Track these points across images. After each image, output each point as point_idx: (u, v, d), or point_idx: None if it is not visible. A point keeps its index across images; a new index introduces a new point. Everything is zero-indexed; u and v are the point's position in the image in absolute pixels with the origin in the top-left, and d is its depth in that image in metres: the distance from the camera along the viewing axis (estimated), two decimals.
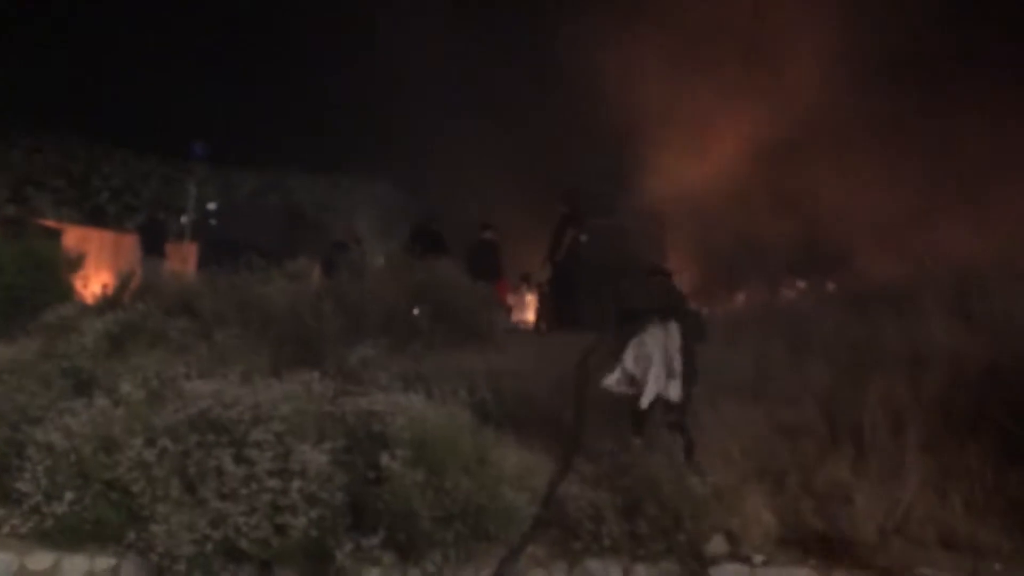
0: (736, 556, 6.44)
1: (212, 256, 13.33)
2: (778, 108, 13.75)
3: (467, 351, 9.59)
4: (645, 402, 7.44)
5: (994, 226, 9.85)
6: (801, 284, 11.65)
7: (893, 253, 10.74)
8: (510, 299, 14.33)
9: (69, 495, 6.68)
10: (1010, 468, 6.53)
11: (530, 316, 13.38)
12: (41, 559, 6.64)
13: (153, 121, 18.12)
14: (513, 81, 17.13)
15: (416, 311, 10.31)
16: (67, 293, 11.12)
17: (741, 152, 13.59)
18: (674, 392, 7.43)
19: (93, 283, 11.88)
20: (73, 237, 14.40)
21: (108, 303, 10.49)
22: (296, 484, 6.50)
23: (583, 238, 12.71)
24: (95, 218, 17.37)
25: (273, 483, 6.52)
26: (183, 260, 14.54)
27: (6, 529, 6.77)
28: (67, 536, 6.68)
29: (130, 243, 15.19)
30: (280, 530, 6.40)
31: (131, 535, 6.53)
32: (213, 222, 15.00)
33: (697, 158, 13.62)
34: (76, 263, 12.10)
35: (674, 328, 7.58)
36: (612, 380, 7.65)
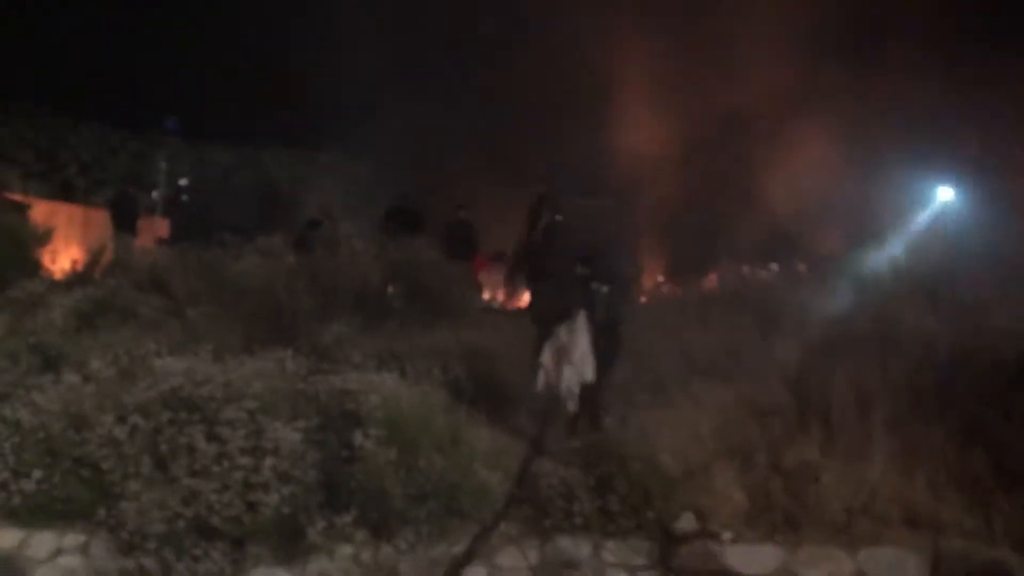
0: (705, 533, 6.52)
1: (184, 232, 13.20)
2: (750, 89, 13.80)
3: (441, 330, 9.61)
4: (570, 405, 7.64)
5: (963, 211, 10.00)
6: (774, 266, 11.76)
7: (864, 235, 10.87)
8: (483, 278, 14.31)
9: (37, 472, 6.65)
10: (973, 448, 6.64)
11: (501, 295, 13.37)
12: (9, 536, 6.61)
13: (123, 93, 17.84)
14: (489, 60, 17.03)
15: (391, 289, 10.29)
16: (35, 268, 10.97)
17: (714, 132, 13.63)
18: (588, 373, 7.58)
19: (62, 258, 11.75)
20: (41, 211, 14.16)
21: (77, 279, 10.40)
22: (268, 462, 6.51)
23: (559, 218, 12.69)
24: (63, 192, 17.10)
25: (245, 461, 6.52)
26: (154, 236, 14.38)
27: None
28: (36, 514, 6.65)
29: (100, 218, 15.01)
30: (252, 507, 6.41)
31: (101, 512, 6.51)
32: (185, 198, 14.85)
33: (669, 138, 13.64)
34: (44, 237, 11.95)
35: (582, 319, 7.70)
36: (540, 384, 7.73)
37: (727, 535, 6.49)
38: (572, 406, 7.66)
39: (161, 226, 14.89)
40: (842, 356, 7.68)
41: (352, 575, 6.44)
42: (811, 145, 12.64)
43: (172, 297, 9.89)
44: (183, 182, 15.38)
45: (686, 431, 7.07)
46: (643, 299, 12.51)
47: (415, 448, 6.77)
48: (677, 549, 6.45)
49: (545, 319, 7.94)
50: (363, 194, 18.39)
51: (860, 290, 8.68)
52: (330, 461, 6.79)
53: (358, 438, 6.68)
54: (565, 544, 6.55)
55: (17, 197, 14.57)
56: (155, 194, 16.04)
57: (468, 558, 6.51)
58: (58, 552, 6.60)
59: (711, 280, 12.94)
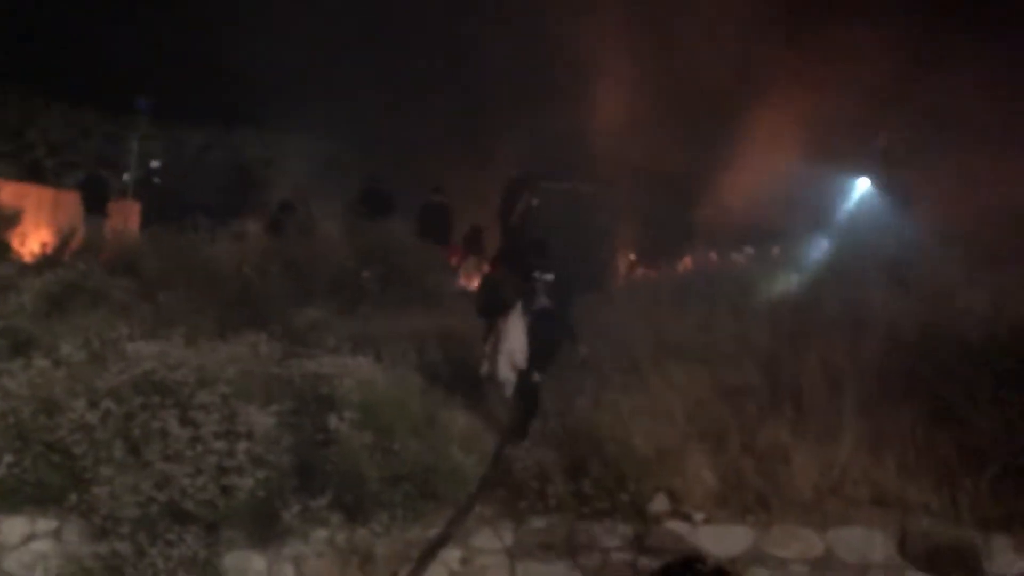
0: (678, 514, 6.60)
1: (156, 215, 13.06)
2: (725, 75, 13.84)
3: (416, 313, 9.60)
4: (507, 391, 7.81)
5: (934, 197, 10.12)
6: (748, 250, 11.84)
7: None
8: (455, 260, 14.29)
9: (8, 457, 6.59)
10: (939, 429, 6.77)
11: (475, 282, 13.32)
12: None
13: (93, 73, 17.52)
14: (464, 41, 16.93)
15: (365, 273, 10.26)
16: (3, 251, 10.83)
17: (687, 116, 13.66)
18: (520, 361, 7.76)
19: (31, 241, 11.58)
20: (9, 193, 13.92)
21: (47, 262, 10.26)
22: (243, 446, 6.49)
23: (535, 202, 12.71)
24: (32, 174, 16.82)
25: (219, 445, 6.50)
26: (125, 219, 14.20)
27: None
28: (6, 499, 6.60)
29: (70, 200, 14.80)
30: (226, 492, 6.40)
31: (73, 498, 6.46)
32: (157, 180, 14.68)
33: (646, 122, 13.66)
34: (12, 220, 11.78)
35: (517, 309, 7.92)
36: (484, 370, 7.95)
37: (699, 516, 6.58)
38: (508, 391, 7.83)
39: (133, 209, 14.71)
40: (813, 339, 7.79)
41: (327, 558, 6.46)
42: (759, 133, 12.72)
43: (144, 281, 9.79)
44: (155, 164, 15.19)
45: (659, 413, 7.14)
46: (618, 282, 12.56)
47: (390, 431, 6.79)
48: (650, 530, 6.53)
49: (485, 309, 8.22)
50: (335, 175, 18.26)
51: (829, 274, 8.77)
52: (305, 445, 6.79)
53: (333, 422, 6.68)
54: (540, 526, 6.61)
55: None
56: (126, 176, 15.82)
57: (443, 540, 6.55)
58: (30, 537, 6.56)
59: (686, 263, 13.02)
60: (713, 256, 12.48)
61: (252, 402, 6.81)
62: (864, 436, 6.81)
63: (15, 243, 11.36)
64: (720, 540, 6.45)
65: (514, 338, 7.85)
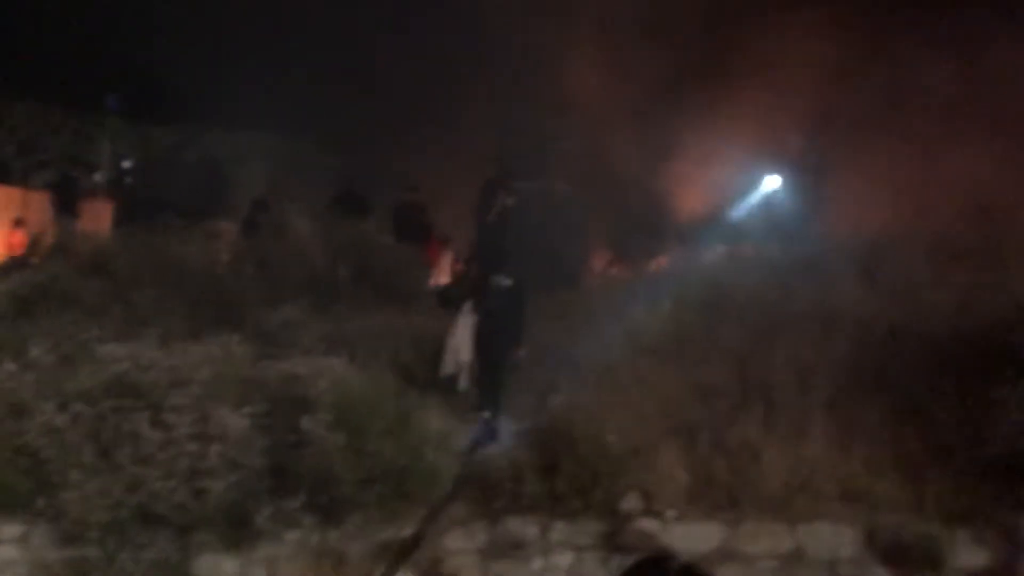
0: (649, 512, 6.65)
1: (129, 215, 12.95)
2: (702, 71, 13.89)
3: (390, 313, 9.58)
4: (461, 383, 8.23)
5: (898, 195, 10.24)
6: (720, 249, 11.92)
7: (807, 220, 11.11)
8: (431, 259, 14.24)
9: None
10: (906, 425, 6.87)
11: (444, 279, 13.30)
12: None
13: (61, 71, 17.31)
14: (440, 40, 16.89)
15: (343, 272, 10.25)
16: None
17: (659, 117, 13.71)
18: (464, 354, 8.30)
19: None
20: None
21: (16, 263, 10.14)
22: (215, 448, 6.46)
23: (510, 201, 12.71)
24: (0, 174, 16.61)
25: (192, 447, 6.46)
26: (97, 219, 14.06)
27: None
28: None
29: (40, 201, 14.63)
30: (199, 494, 6.37)
31: (41, 502, 6.40)
32: (129, 180, 14.54)
33: (618, 122, 13.70)
34: None
35: (467, 308, 8.54)
36: (448, 365, 8.37)
37: (671, 513, 6.64)
38: (463, 383, 8.25)
39: (104, 208, 14.56)
40: (782, 336, 7.87)
41: (300, 560, 6.45)
42: (761, 129, 12.81)
43: (116, 281, 9.70)
44: (127, 164, 15.04)
45: (632, 412, 7.18)
46: (592, 280, 12.59)
47: (364, 432, 6.78)
48: (622, 528, 6.57)
49: (441, 303, 9.15)
50: (306, 175, 18.19)
51: (799, 271, 8.85)
52: (278, 447, 6.76)
53: (307, 423, 6.66)
54: (514, 525, 6.64)
55: None
56: (98, 176, 15.65)
57: (417, 541, 6.56)
58: None
59: (659, 263, 13.08)
60: (685, 254, 12.55)
61: (225, 404, 6.77)
62: (832, 433, 6.91)
63: None
64: (691, 537, 6.52)
65: (459, 335, 8.38)
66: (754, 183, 13.16)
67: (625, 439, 6.93)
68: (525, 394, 7.93)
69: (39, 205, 14.52)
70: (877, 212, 9.93)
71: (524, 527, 6.63)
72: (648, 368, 7.85)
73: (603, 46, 13.68)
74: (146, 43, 17.17)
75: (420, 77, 16.67)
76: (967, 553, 6.21)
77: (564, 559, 6.53)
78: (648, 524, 6.59)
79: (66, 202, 13.88)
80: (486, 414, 7.84)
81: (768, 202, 12.83)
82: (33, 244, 10.80)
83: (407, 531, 6.59)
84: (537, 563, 6.52)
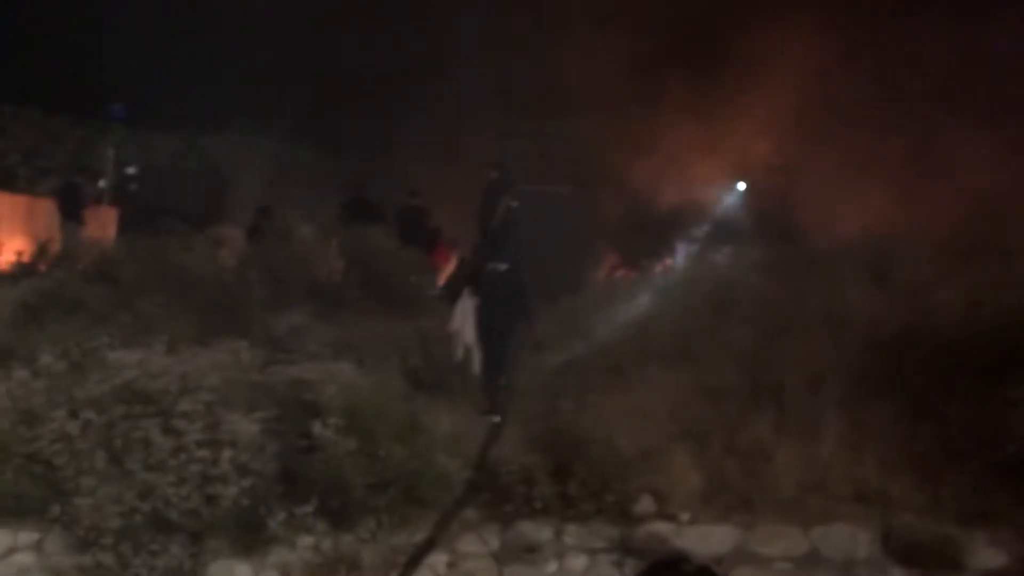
0: (663, 515, 6.63)
1: (133, 221, 12.94)
2: (704, 69, 13.87)
3: (397, 318, 9.59)
4: (458, 353, 8.73)
5: (909, 194, 10.21)
6: (727, 249, 11.91)
7: (814, 219, 11.07)
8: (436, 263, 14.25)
9: None
10: (919, 425, 6.85)
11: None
12: None
13: (64, 79, 17.34)
14: (438, 42, 16.90)
15: (348, 278, 10.28)
16: None
17: (665, 113, 13.69)
18: (468, 336, 8.83)
19: (6, 251, 11.44)
20: None
21: (23, 271, 10.14)
22: (227, 454, 6.45)
23: (514, 204, 12.70)
24: (5, 182, 16.60)
25: (203, 453, 6.45)
26: (102, 226, 14.06)
27: None
28: None
29: (45, 208, 14.63)
30: (211, 500, 6.35)
31: (55, 509, 6.39)
32: (133, 186, 14.53)
33: (623, 121, 13.67)
34: None
35: (466, 294, 9.06)
36: (458, 352, 8.81)
37: (684, 516, 6.62)
38: (476, 367, 8.64)
39: (109, 215, 14.56)
40: (793, 336, 7.85)
41: (313, 566, 6.43)
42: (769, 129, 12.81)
43: (122, 288, 9.70)
44: (131, 170, 15.03)
45: (642, 414, 7.17)
46: (598, 283, 12.59)
47: (374, 437, 6.76)
48: (635, 532, 6.55)
49: (451, 297, 9.59)
50: (308, 180, 18.21)
51: (811, 272, 8.83)
52: (289, 452, 6.76)
53: (317, 428, 6.65)
54: (526, 529, 6.62)
55: None
56: (102, 183, 15.65)
57: (429, 545, 6.54)
58: (12, 550, 6.48)
59: (665, 264, 13.06)
60: (691, 256, 12.56)
61: (235, 410, 6.77)
62: (845, 433, 6.88)
63: None
64: (705, 540, 6.49)
65: (460, 319, 8.94)
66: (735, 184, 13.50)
67: (636, 442, 6.91)
68: (534, 398, 7.90)
69: (45, 212, 14.52)
70: (885, 210, 9.90)
71: (537, 531, 6.61)
72: (657, 370, 7.83)
73: (603, 46, 13.67)
74: (148, 50, 17.20)
75: (420, 80, 16.69)
76: (984, 554, 6.18)
77: (578, 562, 6.51)
78: (661, 527, 6.57)
79: (71, 209, 13.86)
80: (496, 418, 7.86)
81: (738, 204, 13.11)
82: (40, 251, 10.78)
83: (420, 536, 6.57)
84: (551, 567, 6.51)
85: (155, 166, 16.65)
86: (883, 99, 12.63)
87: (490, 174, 13.57)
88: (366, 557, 6.46)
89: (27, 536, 6.48)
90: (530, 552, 6.57)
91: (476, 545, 6.62)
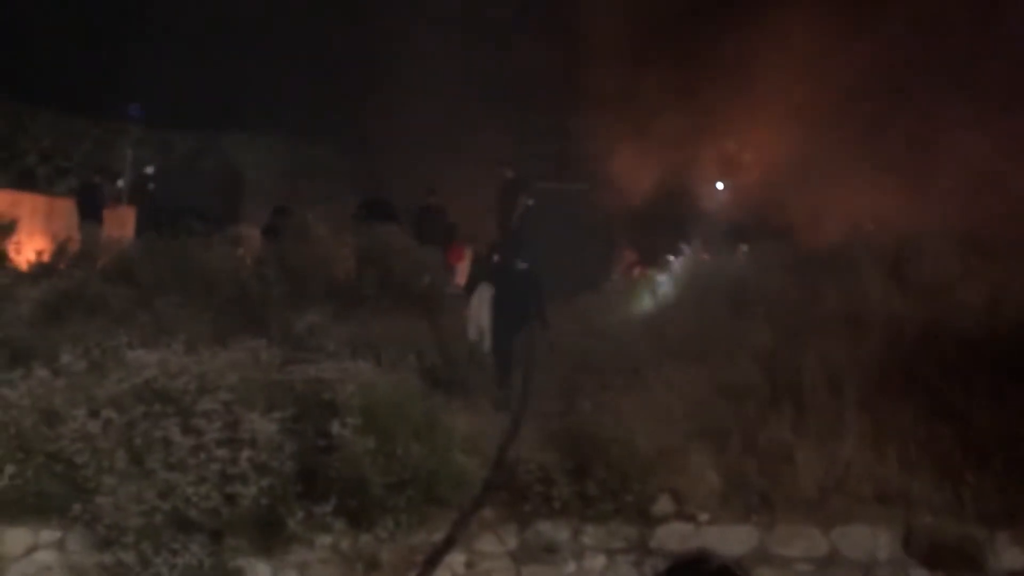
0: (682, 515, 6.61)
1: (151, 221, 12.99)
2: (725, 69, 13.81)
3: (414, 316, 9.59)
4: (472, 334, 9.27)
5: (929, 192, 10.14)
6: (744, 248, 11.86)
7: (833, 218, 11.02)
8: (454, 261, 14.26)
9: (10, 468, 6.54)
10: (941, 425, 6.80)
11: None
12: None
13: (83, 79, 17.45)
14: (454, 41, 16.90)
15: (366, 277, 10.32)
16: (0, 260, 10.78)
17: (676, 110, 13.63)
18: (484, 321, 9.31)
19: (27, 250, 11.51)
20: (3, 201, 13.89)
21: (44, 270, 10.21)
22: (246, 453, 6.47)
23: (529, 203, 12.70)
24: (25, 182, 16.72)
25: (222, 452, 6.47)
26: (120, 226, 14.13)
27: None
28: (9, 510, 6.56)
29: (65, 208, 14.72)
30: (230, 499, 6.38)
31: (76, 507, 6.43)
32: (151, 186, 14.59)
33: (636, 118, 13.63)
34: (8, 229, 11.71)
35: (484, 286, 9.59)
36: (472, 332, 9.39)
37: (704, 516, 6.59)
38: (487, 347, 9.14)
39: (127, 215, 14.63)
40: (812, 336, 7.81)
41: (332, 565, 6.45)
42: (783, 129, 12.74)
43: (141, 288, 9.76)
44: (149, 170, 15.10)
45: (661, 414, 7.14)
46: (616, 281, 12.55)
47: (392, 436, 6.76)
48: (655, 531, 6.53)
49: (469, 288, 10.29)
50: (326, 179, 18.24)
51: (830, 271, 8.79)
52: (307, 451, 6.77)
53: (335, 427, 6.66)
54: (545, 529, 6.61)
55: None
56: (120, 183, 15.74)
57: (448, 545, 6.54)
58: (33, 548, 6.52)
59: (683, 262, 13.00)
60: (713, 254, 12.51)
61: (254, 409, 6.78)
62: (866, 433, 6.83)
63: (11, 252, 11.30)
64: (725, 540, 6.47)
65: (477, 307, 9.46)
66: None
67: (654, 441, 6.88)
68: (552, 397, 7.89)
69: (64, 212, 14.61)
70: (905, 208, 9.83)
71: (555, 530, 6.60)
72: (675, 369, 7.80)
73: (616, 44, 13.64)
74: (166, 50, 17.29)
75: (437, 79, 16.69)
76: (1007, 554, 6.13)
77: (597, 562, 6.50)
78: (681, 527, 6.54)
79: (90, 209, 13.94)
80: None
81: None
82: (59, 251, 10.86)
83: (438, 535, 6.57)
84: (570, 567, 6.49)
85: (173, 166, 16.75)
86: (902, 93, 12.54)
87: (506, 173, 13.59)
88: (384, 556, 6.48)
89: (49, 534, 6.52)
90: (549, 552, 6.55)
91: (494, 545, 6.62)
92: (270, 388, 7.13)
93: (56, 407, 6.79)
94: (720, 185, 13.69)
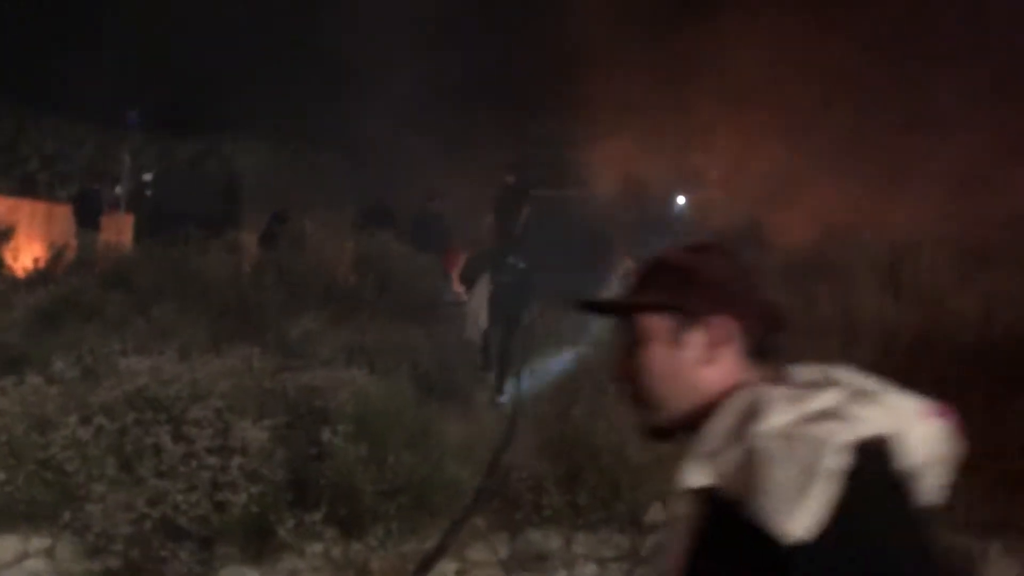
0: None
1: (149, 228, 13.05)
2: (720, 74, 13.81)
3: (410, 323, 9.60)
4: (471, 333, 9.64)
5: (925, 198, 10.12)
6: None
7: (826, 224, 11.01)
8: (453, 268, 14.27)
9: (1, 476, 6.54)
10: None
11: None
12: None
13: (83, 86, 17.52)
14: (454, 47, 16.94)
15: (362, 284, 10.36)
16: None
17: (674, 118, 13.64)
18: (482, 320, 9.71)
19: (24, 256, 11.55)
20: (2, 207, 13.95)
21: (40, 277, 10.24)
22: (236, 461, 6.45)
23: (529, 209, 12.71)
24: (25, 187, 16.79)
25: (213, 460, 6.45)
26: (118, 232, 14.18)
27: None
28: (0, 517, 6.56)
29: (63, 214, 14.77)
30: (220, 507, 6.36)
31: (66, 515, 6.41)
32: (149, 192, 14.66)
33: (632, 125, 13.65)
34: (6, 235, 11.75)
35: (483, 281, 9.98)
36: (470, 331, 9.82)
37: None
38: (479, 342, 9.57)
39: (125, 221, 14.69)
40: (806, 343, 7.78)
41: (323, 573, 6.43)
42: (777, 134, 12.72)
43: (137, 294, 9.78)
44: (147, 176, 15.17)
45: None
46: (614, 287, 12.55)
47: (385, 444, 6.76)
48: (647, 540, 6.51)
49: (463, 280, 10.83)
50: (326, 185, 18.30)
51: (823, 278, 8.77)
52: (299, 459, 6.76)
53: (327, 435, 6.66)
54: (535, 537, 6.59)
55: None
56: (119, 189, 15.79)
57: (439, 553, 6.52)
58: (23, 556, 6.51)
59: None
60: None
61: (246, 416, 6.77)
62: None
63: (8, 258, 11.34)
64: None
65: (476, 303, 9.75)
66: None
67: (646, 449, 6.85)
68: (545, 403, 7.88)
69: (63, 218, 14.66)
70: (899, 214, 9.82)
71: (546, 539, 6.58)
72: None
73: (614, 50, 13.66)
74: (165, 56, 17.35)
75: (436, 85, 16.74)
76: (1000, 564, 6.09)
77: (588, 571, 6.47)
78: None
79: (88, 215, 13.99)
80: (503, 398, 8.17)
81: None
82: (56, 257, 10.89)
83: (429, 543, 6.56)
84: (561, 575, 6.47)
85: (172, 172, 16.81)
86: (899, 96, 12.54)
87: (506, 179, 13.61)
88: (376, 564, 6.45)
89: (39, 542, 6.51)
90: (540, 561, 6.54)
91: (486, 553, 6.61)
92: (262, 395, 7.14)
93: (48, 414, 6.79)
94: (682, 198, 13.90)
